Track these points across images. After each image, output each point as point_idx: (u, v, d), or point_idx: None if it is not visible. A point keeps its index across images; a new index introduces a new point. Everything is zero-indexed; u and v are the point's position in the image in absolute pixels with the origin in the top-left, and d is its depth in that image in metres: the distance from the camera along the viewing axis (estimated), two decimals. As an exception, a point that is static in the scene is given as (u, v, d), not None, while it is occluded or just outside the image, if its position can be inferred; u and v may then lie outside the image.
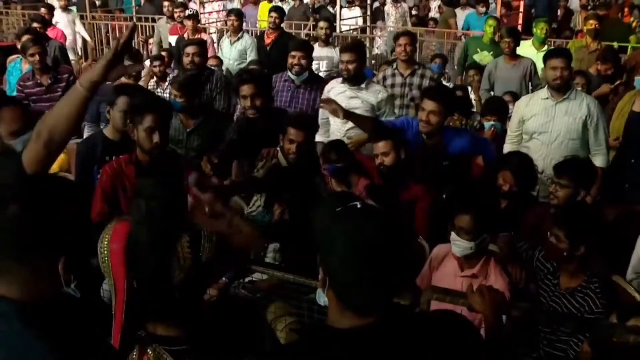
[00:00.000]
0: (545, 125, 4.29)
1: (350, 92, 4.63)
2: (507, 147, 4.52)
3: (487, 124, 5.01)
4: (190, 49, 5.50)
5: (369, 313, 1.39)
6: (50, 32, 8.33)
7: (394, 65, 5.53)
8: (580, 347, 2.72)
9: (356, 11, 11.39)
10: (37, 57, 5.51)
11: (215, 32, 9.72)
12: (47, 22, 8.05)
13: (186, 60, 5.48)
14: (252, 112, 4.16)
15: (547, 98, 4.32)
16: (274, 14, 7.35)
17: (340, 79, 4.77)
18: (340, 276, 1.39)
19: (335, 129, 4.68)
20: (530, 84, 6.25)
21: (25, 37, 6.18)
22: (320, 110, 4.76)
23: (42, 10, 8.70)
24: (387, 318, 1.40)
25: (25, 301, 1.43)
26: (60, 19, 9.53)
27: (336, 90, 4.70)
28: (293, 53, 4.94)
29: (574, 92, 4.33)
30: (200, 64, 5.56)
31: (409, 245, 3.41)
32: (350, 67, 4.53)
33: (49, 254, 1.46)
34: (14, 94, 5.75)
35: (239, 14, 7.60)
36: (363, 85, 4.61)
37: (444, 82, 7.17)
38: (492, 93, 6.28)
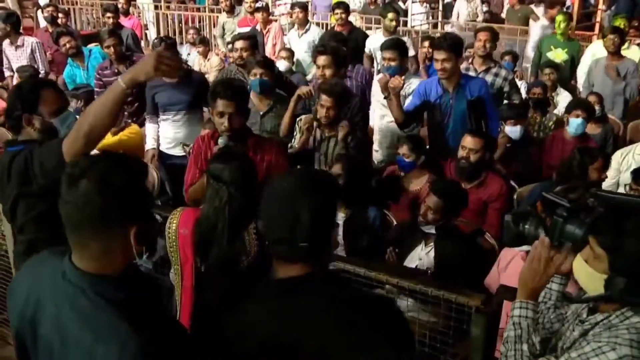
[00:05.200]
0: None
1: None
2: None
3: (575, 121, 4.77)
4: (239, 44, 5.29)
5: None
6: (127, 21, 8.56)
7: (470, 60, 5.44)
8: None
9: (426, 6, 11.23)
10: (112, 49, 5.69)
11: (286, 24, 9.77)
12: (118, 12, 8.03)
13: (235, 55, 5.31)
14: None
15: None
16: (338, 10, 7.23)
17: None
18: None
19: (376, 121, 4.99)
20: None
21: (61, 38, 6.36)
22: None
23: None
24: None
25: (101, 274, 1.48)
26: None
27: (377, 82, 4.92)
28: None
29: None
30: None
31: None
32: (393, 64, 4.70)
33: (121, 226, 1.49)
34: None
35: (303, 7, 7.62)
36: None
37: (516, 80, 6.95)
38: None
